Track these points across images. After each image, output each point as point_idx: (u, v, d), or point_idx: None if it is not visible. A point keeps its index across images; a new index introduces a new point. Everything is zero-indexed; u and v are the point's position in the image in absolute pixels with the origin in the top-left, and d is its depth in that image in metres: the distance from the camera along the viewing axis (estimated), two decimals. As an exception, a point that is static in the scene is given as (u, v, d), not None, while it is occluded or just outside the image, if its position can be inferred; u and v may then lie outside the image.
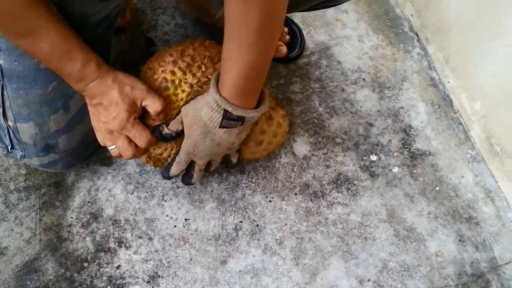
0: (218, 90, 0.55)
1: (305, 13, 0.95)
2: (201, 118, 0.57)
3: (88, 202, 0.72)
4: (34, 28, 0.50)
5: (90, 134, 0.69)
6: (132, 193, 0.73)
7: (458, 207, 0.74)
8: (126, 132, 0.58)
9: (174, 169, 0.64)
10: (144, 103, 0.58)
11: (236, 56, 0.52)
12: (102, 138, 0.61)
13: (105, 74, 0.56)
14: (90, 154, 0.75)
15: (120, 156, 0.62)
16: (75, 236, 0.69)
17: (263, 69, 0.55)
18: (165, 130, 0.60)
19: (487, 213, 0.73)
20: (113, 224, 0.70)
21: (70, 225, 0.70)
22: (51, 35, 0.51)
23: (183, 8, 0.90)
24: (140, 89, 0.58)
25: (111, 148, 0.61)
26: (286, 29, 0.88)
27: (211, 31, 0.87)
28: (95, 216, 0.71)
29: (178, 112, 0.60)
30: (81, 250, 0.68)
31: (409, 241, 0.70)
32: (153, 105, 0.58)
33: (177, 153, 0.62)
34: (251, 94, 0.56)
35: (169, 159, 0.64)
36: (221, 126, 0.57)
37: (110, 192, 0.73)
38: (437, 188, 0.75)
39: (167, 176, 0.65)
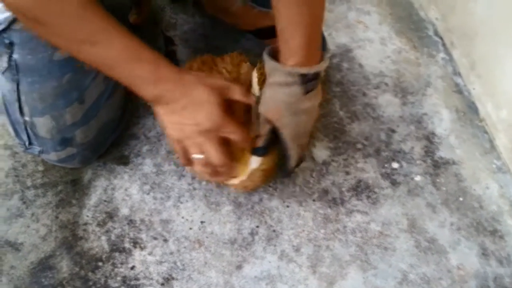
0: (283, 64, 0.54)
1: (327, 15, 0.93)
2: (283, 101, 0.55)
3: (104, 201, 0.72)
4: (96, 32, 0.46)
5: (106, 127, 0.69)
6: (148, 194, 0.72)
7: (482, 219, 0.71)
8: (224, 128, 0.53)
9: (292, 165, 0.61)
10: (229, 91, 0.55)
11: (293, 17, 0.52)
12: (187, 145, 0.55)
13: (181, 72, 0.52)
14: (106, 153, 0.75)
15: (206, 167, 0.55)
16: (91, 234, 0.69)
17: (320, 16, 0.54)
18: (259, 143, 0.59)
19: (512, 226, 0.71)
20: (128, 224, 0.70)
21: (85, 224, 0.70)
22: (115, 37, 0.47)
23: (202, 7, 0.89)
24: (218, 78, 0.56)
25: (198, 157, 0.55)
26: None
27: (229, 30, 0.86)
28: (111, 216, 0.70)
29: (257, 118, 0.59)
30: (96, 249, 0.68)
31: (430, 253, 0.68)
32: (238, 89, 0.55)
33: (284, 149, 0.60)
34: (317, 46, 0.55)
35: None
36: (306, 92, 0.55)
37: (126, 192, 0.72)
38: (461, 199, 0.73)
39: (287, 175, 0.64)
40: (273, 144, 0.61)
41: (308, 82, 0.54)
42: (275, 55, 0.56)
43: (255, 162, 0.62)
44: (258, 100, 0.59)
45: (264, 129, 0.59)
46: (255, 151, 0.60)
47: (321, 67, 0.55)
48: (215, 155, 0.54)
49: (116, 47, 0.47)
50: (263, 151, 0.60)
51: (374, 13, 0.93)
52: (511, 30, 0.74)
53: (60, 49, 0.49)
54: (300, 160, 0.63)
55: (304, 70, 0.53)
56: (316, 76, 0.55)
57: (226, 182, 0.65)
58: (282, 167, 0.63)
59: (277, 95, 0.55)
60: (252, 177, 0.63)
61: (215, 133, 0.53)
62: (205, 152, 0.54)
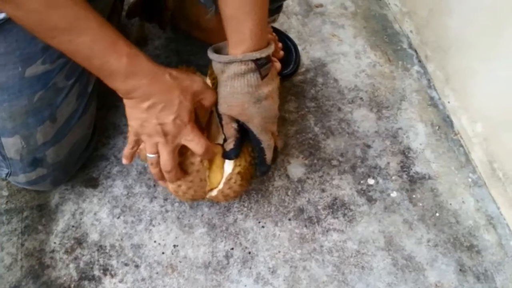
0: (234, 54, 0.53)
1: (301, 28, 0.92)
2: (242, 92, 0.54)
3: (72, 226, 0.69)
4: (73, 18, 0.44)
5: (78, 146, 0.66)
6: (119, 217, 0.70)
7: (458, 235, 0.71)
8: (183, 135, 0.53)
9: (269, 157, 0.59)
10: (203, 98, 0.55)
11: (244, 2, 0.52)
12: (144, 141, 0.55)
13: (158, 70, 0.51)
14: (74, 175, 0.72)
15: (154, 167, 0.56)
16: (58, 262, 0.66)
17: (265, 3, 0.55)
18: (229, 146, 0.57)
19: (488, 241, 0.70)
20: (98, 250, 0.67)
21: (53, 251, 0.67)
22: (92, 26, 0.46)
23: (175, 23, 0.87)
24: (198, 82, 0.54)
25: (150, 156, 0.55)
26: (280, 45, 0.85)
27: (202, 45, 0.84)
28: (80, 242, 0.68)
29: (220, 119, 0.58)
30: (64, 278, 0.65)
31: (408, 271, 0.67)
32: (211, 97, 0.55)
33: (257, 143, 0.58)
34: (265, 30, 0.56)
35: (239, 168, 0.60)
36: (262, 78, 0.54)
37: (95, 216, 0.70)
38: (437, 214, 0.72)
39: (267, 170, 0.61)
40: (242, 143, 0.59)
41: (262, 67, 0.54)
42: (219, 53, 0.57)
43: (228, 167, 0.60)
44: (215, 103, 0.58)
45: (230, 130, 0.58)
46: (227, 155, 0.58)
47: (270, 49, 0.55)
48: (166, 158, 0.54)
49: (92, 37, 0.46)
50: (235, 152, 0.58)
51: (349, 26, 0.93)
52: (485, 43, 0.74)
53: (32, 33, 0.47)
54: (276, 151, 0.62)
55: (256, 55, 0.53)
56: (268, 59, 0.55)
57: (205, 196, 0.63)
58: (259, 165, 0.61)
59: (234, 89, 0.54)
60: (229, 184, 0.60)
61: (175, 138, 0.54)
62: (159, 153, 0.54)
